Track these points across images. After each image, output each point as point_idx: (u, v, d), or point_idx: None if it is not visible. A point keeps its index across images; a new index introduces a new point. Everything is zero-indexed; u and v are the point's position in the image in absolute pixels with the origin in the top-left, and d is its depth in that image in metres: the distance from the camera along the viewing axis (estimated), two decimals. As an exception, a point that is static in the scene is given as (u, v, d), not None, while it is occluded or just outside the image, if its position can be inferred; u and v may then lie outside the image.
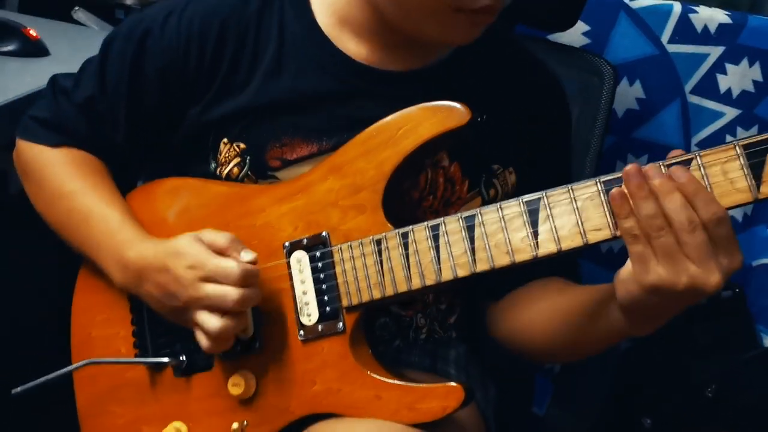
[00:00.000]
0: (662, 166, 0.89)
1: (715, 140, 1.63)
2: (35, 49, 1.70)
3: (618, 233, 0.90)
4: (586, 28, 1.62)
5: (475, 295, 1.24)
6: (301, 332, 1.06)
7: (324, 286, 1.06)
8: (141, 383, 1.15)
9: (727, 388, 1.50)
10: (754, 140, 0.86)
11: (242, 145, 1.14)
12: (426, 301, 1.21)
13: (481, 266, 0.98)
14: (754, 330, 1.62)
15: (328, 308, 1.05)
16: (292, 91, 1.13)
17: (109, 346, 1.18)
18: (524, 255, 0.95)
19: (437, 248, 1.00)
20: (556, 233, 0.94)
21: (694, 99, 1.64)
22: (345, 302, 1.04)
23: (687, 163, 0.88)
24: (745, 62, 1.60)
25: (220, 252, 1.04)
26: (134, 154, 1.23)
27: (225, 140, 1.14)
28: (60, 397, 1.19)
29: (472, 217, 0.98)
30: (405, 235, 1.01)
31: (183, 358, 1.12)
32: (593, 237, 0.92)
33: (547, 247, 0.94)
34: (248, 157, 1.13)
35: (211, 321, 1.02)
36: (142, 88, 1.16)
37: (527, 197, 0.96)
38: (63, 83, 1.22)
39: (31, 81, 1.53)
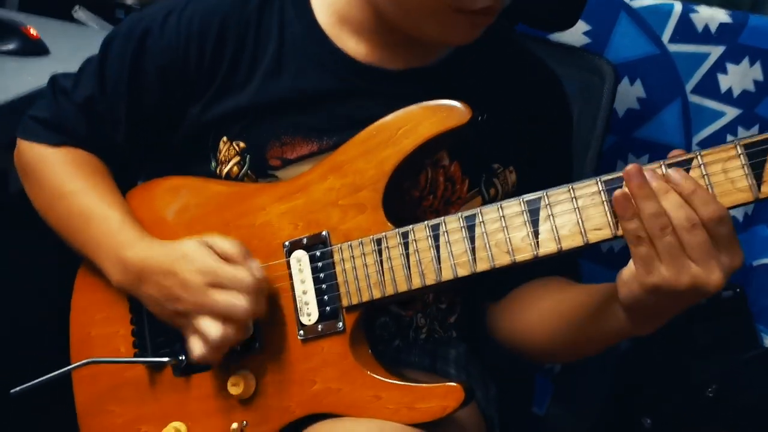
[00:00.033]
0: (663, 165, 0.89)
1: (716, 140, 1.63)
2: (35, 48, 1.70)
3: (619, 233, 0.90)
4: (587, 27, 1.62)
5: (475, 294, 1.24)
6: (301, 332, 1.06)
7: (324, 286, 1.05)
8: (140, 383, 1.15)
9: (728, 388, 1.51)
10: (755, 140, 0.86)
11: (242, 144, 1.13)
12: (426, 300, 1.21)
13: (482, 266, 0.98)
14: (754, 330, 1.62)
15: (327, 308, 1.05)
16: (292, 90, 1.13)
17: (109, 345, 1.17)
18: (525, 254, 0.95)
19: (437, 248, 1.00)
20: (557, 233, 0.94)
21: (695, 98, 1.64)
22: (345, 302, 1.04)
23: (687, 162, 0.88)
24: (745, 62, 1.60)
25: (231, 261, 1.04)
26: (134, 153, 1.23)
27: (225, 139, 1.14)
28: (59, 397, 1.18)
29: (473, 216, 0.98)
30: (405, 235, 1.01)
31: (182, 357, 1.12)
32: (594, 236, 0.92)
33: (547, 246, 0.94)
34: (248, 156, 1.13)
35: (213, 328, 1.02)
36: (142, 87, 1.16)
37: (528, 196, 0.96)
38: (63, 83, 1.21)
39: (31, 80, 1.52)
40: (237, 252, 1.04)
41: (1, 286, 1.61)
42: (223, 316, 1.02)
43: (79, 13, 2.00)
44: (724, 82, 1.62)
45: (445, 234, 0.99)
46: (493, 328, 1.21)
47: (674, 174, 0.87)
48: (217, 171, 1.15)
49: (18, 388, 1.09)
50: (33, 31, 1.70)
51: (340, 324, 1.04)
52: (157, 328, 1.14)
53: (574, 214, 0.93)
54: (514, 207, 0.96)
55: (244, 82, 1.13)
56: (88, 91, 1.18)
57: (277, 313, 1.08)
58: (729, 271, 0.87)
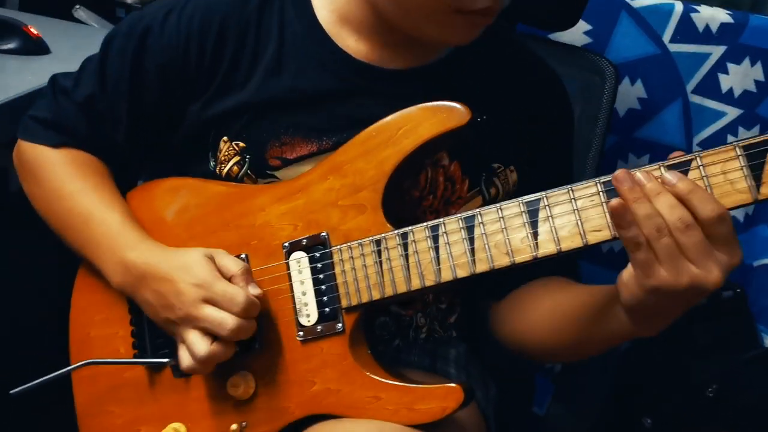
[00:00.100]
0: (662, 167, 0.89)
1: (716, 140, 1.63)
2: (36, 48, 1.70)
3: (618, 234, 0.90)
4: (588, 27, 1.62)
5: (475, 294, 1.24)
6: (300, 333, 1.06)
7: (323, 287, 1.05)
8: (140, 383, 1.15)
9: (728, 388, 1.50)
10: (754, 141, 0.87)
11: (242, 144, 1.13)
12: (426, 300, 1.21)
13: (481, 267, 0.98)
14: (755, 330, 1.62)
15: (327, 309, 1.05)
16: (292, 90, 1.13)
17: (108, 345, 1.17)
18: (524, 255, 0.96)
19: (437, 249, 1.00)
20: (556, 234, 0.94)
21: (696, 99, 1.64)
22: (344, 303, 1.04)
23: (687, 163, 0.89)
24: (746, 62, 1.60)
25: (229, 278, 1.04)
26: (135, 153, 1.23)
27: (225, 138, 1.14)
28: (59, 397, 1.18)
29: (472, 217, 0.98)
30: (404, 236, 1.01)
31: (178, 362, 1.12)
32: (593, 238, 0.93)
33: (546, 247, 0.94)
34: (248, 156, 1.13)
35: (200, 344, 1.03)
36: (143, 85, 1.16)
37: (527, 198, 0.96)
38: (63, 83, 1.21)
39: (32, 79, 1.52)
40: (238, 270, 1.04)
41: (1, 286, 1.61)
42: (209, 331, 1.03)
43: (80, 12, 2.00)
44: (725, 82, 1.62)
45: (445, 235, 0.99)
46: (495, 328, 1.21)
47: (669, 176, 0.87)
48: (217, 171, 1.15)
49: (18, 389, 1.09)
50: (34, 30, 1.70)
51: (340, 325, 1.04)
52: (157, 329, 1.13)
53: (573, 215, 0.93)
54: (513, 208, 0.96)
55: (244, 81, 1.13)
56: (89, 89, 1.18)
57: (277, 314, 1.08)
58: (728, 270, 0.87)
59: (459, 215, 0.99)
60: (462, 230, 0.98)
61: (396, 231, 1.02)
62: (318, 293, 1.06)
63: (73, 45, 1.75)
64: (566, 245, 0.93)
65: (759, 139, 0.86)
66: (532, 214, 0.95)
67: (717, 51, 1.61)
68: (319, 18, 1.14)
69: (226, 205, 1.13)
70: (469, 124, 1.02)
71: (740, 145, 0.87)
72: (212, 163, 1.15)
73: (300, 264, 1.07)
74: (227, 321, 1.02)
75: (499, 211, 0.97)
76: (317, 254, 1.06)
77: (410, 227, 1.01)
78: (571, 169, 1.25)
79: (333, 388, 1.04)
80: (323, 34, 1.13)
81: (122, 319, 1.17)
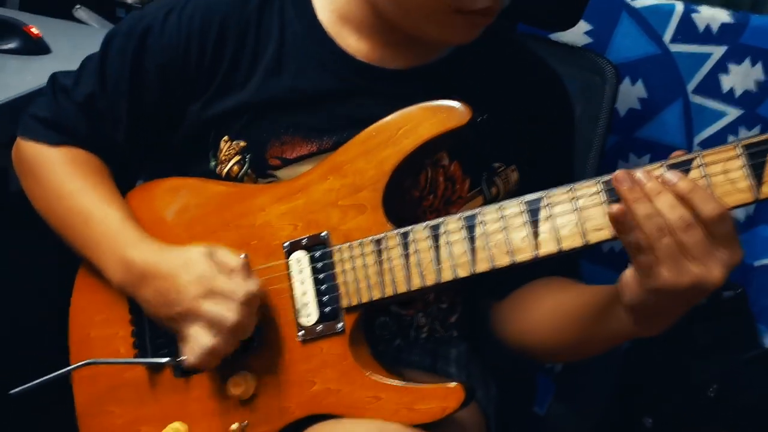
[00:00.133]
0: (663, 166, 0.89)
1: (717, 140, 1.63)
2: (36, 47, 1.70)
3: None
4: (588, 27, 1.62)
5: (476, 294, 1.24)
6: (300, 332, 1.06)
7: (324, 287, 1.05)
8: (140, 383, 1.15)
9: (728, 388, 1.50)
10: (756, 140, 0.86)
11: (242, 143, 1.13)
12: (427, 300, 1.21)
13: (482, 266, 0.98)
14: (755, 330, 1.61)
15: (327, 309, 1.05)
16: (292, 90, 1.13)
17: (108, 346, 1.17)
18: (525, 255, 0.95)
19: (437, 248, 1.00)
20: (557, 233, 0.94)
21: (697, 99, 1.64)
22: (345, 303, 1.04)
23: (688, 163, 0.88)
24: (747, 62, 1.60)
25: (230, 273, 1.04)
26: (134, 153, 1.23)
27: (225, 138, 1.14)
28: (59, 397, 1.18)
29: (473, 216, 0.98)
30: (405, 235, 1.01)
31: (182, 358, 1.12)
32: (594, 237, 0.92)
33: (547, 247, 0.94)
34: (248, 156, 1.13)
35: (204, 338, 1.03)
36: (143, 85, 1.16)
37: (528, 197, 0.96)
38: (63, 81, 1.21)
39: (32, 79, 1.53)
40: (237, 265, 1.04)
41: (1, 286, 1.61)
42: (211, 326, 1.03)
43: (80, 12, 2.00)
44: (726, 82, 1.61)
45: (445, 234, 0.99)
46: (496, 327, 1.21)
47: (670, 175, 0.87)
48: (218, 170, 1.15)
49: (18, 389, 1.09)
50: (34, 30, 1.70)
51: (340, 325, 1.04)
52: (157, 329, 1.13)
53: (574, 214, 0.93)
54: (514, 207, 0.96)
55: (245, 81, 1.14)
56: (89, 88, 1.18)
57: (277, 313, 1.08)
58: (729, 268, 0.87)
59: (460, 214, 0.99)
60: (463, 230, 0.98)
61: (396, 230, 1.02)
62: (318, 293, 1.06)
63: (73, 45, 1.75)
64: (567, 244, 0.93)
65: (760, 139, 0.86)
66: (533, 213, 0.95)
67: (718, 51, 1.60)
68: (319, 18, 1.14)
69: (226, 205, 1.13)
70: (470, 123, 1.02)
71: (741, 144, 0.86)
72: (213, 163, 1.15)
73: (300, 264, 1.07)
74: (228, 315, 1.02)
75: (500, 210, 0.97)
76: (317, 254, 1.06)
77: (411, 227, 1.01)
78: (572, 169, 1.25)
79: (333, 388, 1.04)
80: (323, 34, 1.13)
81: (122, 319, 1.17)
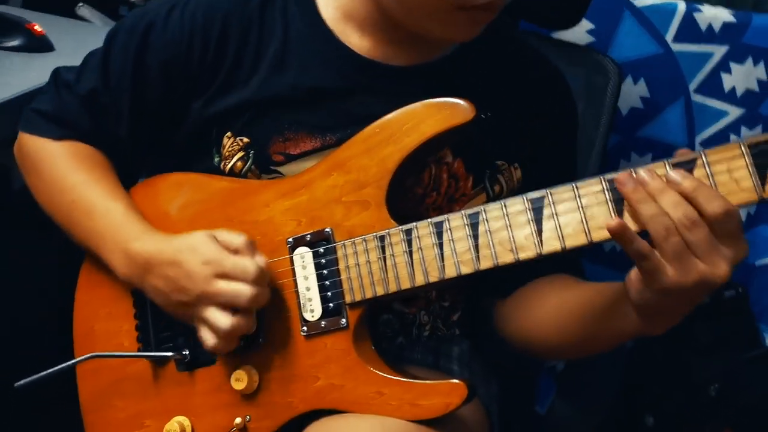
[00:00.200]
0: (667, 165, 0.89)
1: (719, 139, 1.63)
2: (40, 45, 1.70)
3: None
4: (591, 26, 1.62)
5: (479, 292, 1.24)
6: (304, 328, 1.06)
7: (327, 282, 1.06)
8: (144, 377, 1.15)
9: (730, 387, 1.50)
10: (760, 140, 0.87)
11: (246, 140, 1.14)
12: (429, 298, 1.21)
13: (485, 263, 0.98)
14: (756, 329, 1.61)
15: (331, 304, 1.05)
16: (295, 86, 1.13)
17: (112, 340, 1.17)
18: (528, 253, 0.96)
19: (441, 245, 1.00)
20: (561, 231, 0.94)
21: (699, 98, 1.64)
22: (348, 298, 1.04)
23: (692, 162, 0.89)
24: (749, 61, 1.60)
25: (236, 252, 1.04)
26: (137, 149, 1.23)
27: (229, 134, 1.14)
28: (63, 391, 1.18)
29: (476, 214, 0.98)
30: (408, 232, 1.01)
31: (186, 352, 1.12)
32: (597, 235, 0.92)
33: (551, 245, 0.94)
34: (252, 152, 1.13)
35: (222, 318, 1.03)
36: (145, 81, 1.16)
37: (531, 195, 0.96)
38: (65, 76, 1.21)
39: (36, 76, 1.52)
40: (242, 243, 1.04)
41: (1, 285, 1.61)
42: (228, 305, 1.03)
43: (83, 9, 2.01)
44: (728, 81, 1.62)
45: (449, 231, 0.99)
46: (500, 325, 1.21)
47: (674, 174, 0.87)
48: (221, 166, 1.15)
49: (23, 381, 1.09)
50: (38, 28, 1.70)
51: (344, 320, 1.05)
52: (161, 323, 1.14)
53: (577, 212, 0.93)
54: (517, 205, 0.96)
55: (247, 78, 1.14)
56: (92, 84, 1.18)
57: (281, 309, 1.08)
58: (734, 263, 0.87)
59: (463, 212, 0.99)
60: (466, 227, 0.98)
61: (400, 227, 1.02)
62: (322, 288, 1.06)
63: (76, 43, 1.75)
64: (571, 243, 0.93)
65: (764, 138, 0.86)
66: (537, 211, 0.95)
67: (720, 50, 1.61)
68: (322, 15, 1.14)
69: (229, 200, 1.13)
70: (473, 121, 1.02)
71: (745, 143, 0.87)
72: (216, 159, 1.16)
73: (304, 259, 1.07)
74: (244, 290, 1.02)
75: (504, 207, 0.97)
76: (321, 250, 1.06)
77: (414, 224, 1.01)
78: (575, 166, 1.26)
79: (336, 384, 1.05)
80: (327, 32, 1.14)
81: (127, 313, 1.17)
